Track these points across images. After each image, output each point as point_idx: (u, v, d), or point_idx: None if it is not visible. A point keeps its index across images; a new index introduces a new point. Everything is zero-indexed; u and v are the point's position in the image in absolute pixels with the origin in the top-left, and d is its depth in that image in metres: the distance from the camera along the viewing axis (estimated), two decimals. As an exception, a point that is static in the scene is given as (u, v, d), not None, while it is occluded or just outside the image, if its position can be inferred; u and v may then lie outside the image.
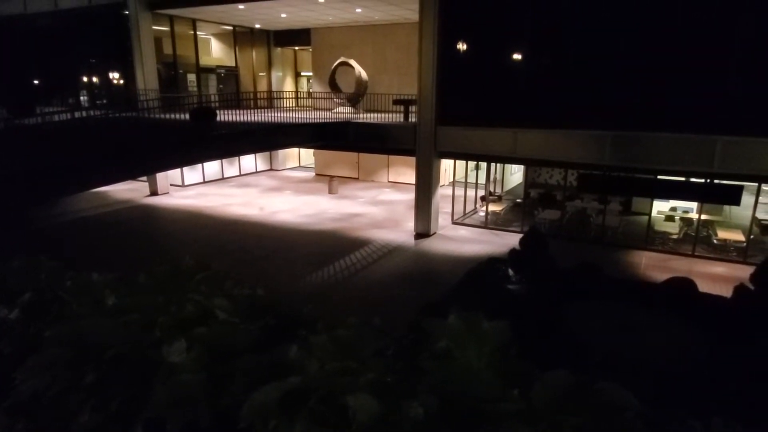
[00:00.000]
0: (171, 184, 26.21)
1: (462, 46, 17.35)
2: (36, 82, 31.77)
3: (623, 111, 15.38)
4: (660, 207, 19.91)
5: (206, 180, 28.51)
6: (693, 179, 16.38)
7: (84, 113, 18.65)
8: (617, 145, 15.52)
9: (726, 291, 11.48)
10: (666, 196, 18.38)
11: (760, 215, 17.73)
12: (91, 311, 1.60)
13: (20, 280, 2.13)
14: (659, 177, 16.03)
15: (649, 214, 18.38)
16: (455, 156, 19.49)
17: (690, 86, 14.60)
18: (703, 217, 17.93)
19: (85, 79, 29.90)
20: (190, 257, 1.89)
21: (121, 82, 27.59)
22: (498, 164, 23.51)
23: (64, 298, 1.76)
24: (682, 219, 18.90)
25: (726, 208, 19.96)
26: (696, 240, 17.21)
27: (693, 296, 10.73)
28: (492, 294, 11.38)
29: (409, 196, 23.13)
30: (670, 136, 14.84)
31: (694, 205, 19.55)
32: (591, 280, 11.55)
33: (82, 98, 29.77)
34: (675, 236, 17.86)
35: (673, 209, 20.13)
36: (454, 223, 20.63)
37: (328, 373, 1.14)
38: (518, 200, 22.98)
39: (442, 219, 19.98)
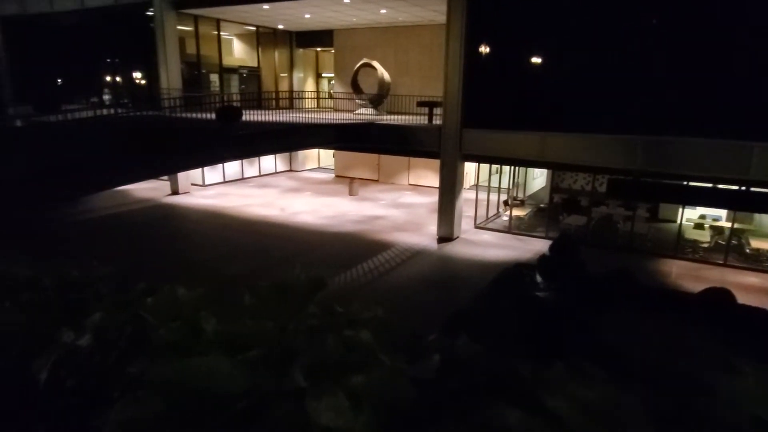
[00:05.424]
0: (192, 184, 26.24)
1: (489, 49, 17.08)
2: (60, 80, 32.04)
3: (655, 115, 15.00)
4: (689, 214, 19.42)
5: (226, 180, 28.51)
6: (728, 186, 15.91)
7: (107, 111, 18.67)
8: (649, 150, 15.14)
9: (762, 302, 11.08)
10: (700, 203, 17.80)
11: (795, 225, 17.23)
12: (188, 340, 1.37)
13: (81, 293, 1.88)
14: (691, 183, 15.62)
15: (679, 222, 17.93)
16: (480, 159, 19.21)
17: (725, 91, 14.19)
18: (735, 225, 17.43)
19: (108, 78, 30.09)
20: (300, 270, 1.59)
21: (144, 81, 27.72)
22: (520, 168, 23.16)
23: (146, 320, 1.52)
24: (712, 227, 18.40)
25: (757, 216, 19.42)
26: (728, 249, 16.75)
27: (732, 308, 10.35)
28: (522, 302, 11.09)
29: (430, 198, 22.88)
30: (704, 141, 14.44)
31: (723, 212, 19.06)
32: (625, 288, 11.21)
33: (105, 96, 29.95)
34: (705, 245, 17.40)
35: (702, 217, 19.62)
36: (476, 227, 20.33)
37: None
38: (542, 205, 22.61)
39: (464, 223, 19.70)
